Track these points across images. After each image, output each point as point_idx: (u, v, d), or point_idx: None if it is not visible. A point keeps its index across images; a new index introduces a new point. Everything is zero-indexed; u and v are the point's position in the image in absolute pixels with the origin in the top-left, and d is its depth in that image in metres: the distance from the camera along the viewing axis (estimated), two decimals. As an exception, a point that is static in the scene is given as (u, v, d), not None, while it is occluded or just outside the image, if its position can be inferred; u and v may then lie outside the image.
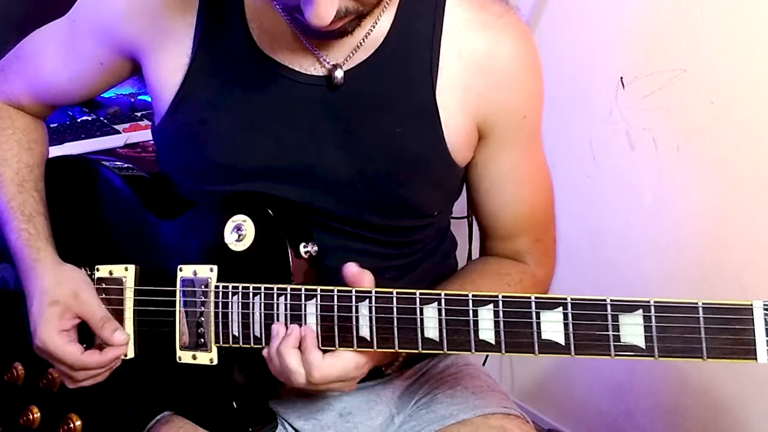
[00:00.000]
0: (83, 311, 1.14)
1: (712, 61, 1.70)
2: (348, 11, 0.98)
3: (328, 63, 1.10)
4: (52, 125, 1.96)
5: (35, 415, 1.26)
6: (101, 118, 2.04)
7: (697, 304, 0.87)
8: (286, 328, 1.03)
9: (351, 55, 1.10)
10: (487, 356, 2.20)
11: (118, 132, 1.97)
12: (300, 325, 1.02)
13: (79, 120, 2.02)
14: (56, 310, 1.13)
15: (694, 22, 1.71)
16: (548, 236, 1.25)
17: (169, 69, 1.15)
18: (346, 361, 1.02)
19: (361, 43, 1.09)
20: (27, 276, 1.17)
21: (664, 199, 1.86)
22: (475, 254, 1.34)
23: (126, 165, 1.32)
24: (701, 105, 1.73)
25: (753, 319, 0.85)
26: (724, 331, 0.86)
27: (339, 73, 1.09)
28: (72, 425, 1.22)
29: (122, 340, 1.14)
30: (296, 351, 1.02)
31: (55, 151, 1.85)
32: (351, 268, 1.01)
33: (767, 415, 1.72)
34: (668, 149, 1.82)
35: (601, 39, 1.93)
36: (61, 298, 1.13)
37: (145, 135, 1.93)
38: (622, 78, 1.88)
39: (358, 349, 1.01)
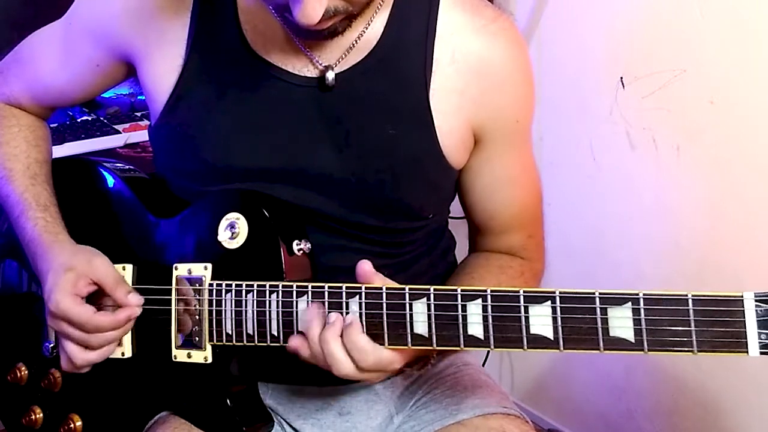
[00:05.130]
0: (97, 274, 1.13)
1: (712, 61, 1.70)
2: (337, 11, 0.98)
3: (320, 64, 1.10)
4: (52, 125, 1.95)
5: (38, 416, 1.26)
6: (101, 118, 2.04)
7: (687, 296, 0.86)
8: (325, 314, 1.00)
9: (344, 56, 1.10)
10: (486, 356, 2.21)
11: (118, 132, 1.97)
12: (342, 314, 1.00)
13: (79, 120, 2.02)
14: (71, 277, 1.12)
15: (694, 22, 1.71)
16: (539, 231, 1.26)
17: (163, 70, 1.15)
18: (385, 352, 0.99)
19: (353, 45, 1.09)
20: (44, 258, 1.16)
21: (663, 199, 1.86)
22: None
23: (126, 166, 1.32)
24: (701, 105, 1.73)
25: (744, 311, 0.84)
26: (715, 324, 0.85)
27: (330, 75, 1.09)
28: (73, 425, 1.22)
29: (137, 301, 1.13)
30: (339, 339, 0.99)
31: (55, 151, 1.85)
32: (364, 266, 0.99)
33: (766, 415, 1.72)
34: (668, 149, 1.82)
35: (601, 39, 1.94)
36: (76, 264, 1.13)
37: (145, 135, 1.92)
38: (622, 78, 1.88)
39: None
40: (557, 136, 2.08)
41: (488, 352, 2.22)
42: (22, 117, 1.31)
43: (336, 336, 0.99)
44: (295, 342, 1.02)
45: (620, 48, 1.89)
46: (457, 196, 1.25)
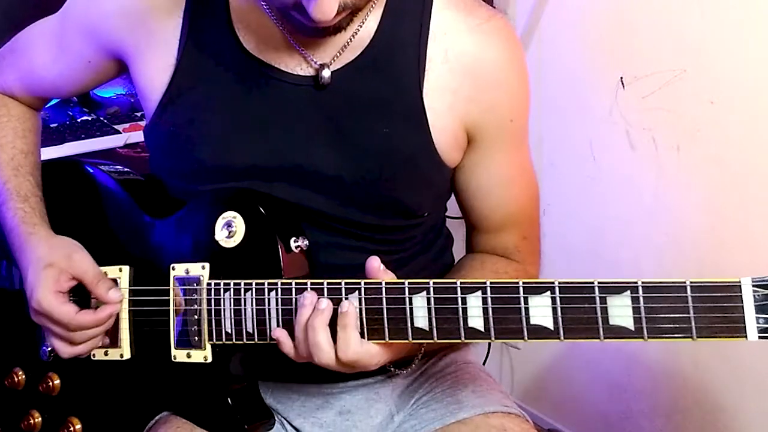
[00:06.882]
0: (77, 271, 1.14)
1: (712, 61, 1.70)
2: (346, 5, 0.98)
3: (315, 63, 1.10)
4: (52, 125, 1.97)
5: (36, 420, 1.25)
6: (101, 118, 2.04)
7: (685, 283, 0.86)
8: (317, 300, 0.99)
9: (338, 54, 1.10)
10: (487, 356, 2.21)
11: (118, 132, 1.97)
12: (333, 302, 0.99)
13: (79, 120, 2.02)
14: (52, 273, 1.13)
15: (694, 22, 1.71)
16: (534, 234, 1.26)
17: (155, 70, 1.16)
18: (371, 346, 1.00)
19: (348, 43, 1.10)
20: (22, 250, 1.18)
21: (663, 199, 1.86)
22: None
23: (121, 167, 1.32)
24: (701, 105, 1.73)
25: (742, 296, 0.85)
26: (713, 310, 0.85)
27: (326, 73, 1.09)
28: (72, 429, 1.22)
29: (117, 297, 1.14)
30: (327, 328, 0.99)
31: (56, 151, 1.86)
32: (373, 263, 0.99)
33: (766, 415, 1.72)
34: (668, 149, 1.82)
35: (601, 39, 1.94)
36: (56, 260, 1.14)
37: (145, 135, 1.93)
38: (622, 78, 1.88)
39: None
40: (557, 136, 2.08)
41: (488, 352, 2.22)
42: (13, 107, 1.32)
43: (324, 324, 0.98)
44: (278, 332, 1.02)
45: (620, 48, 1.89)
46: (453, 195, 1.25)
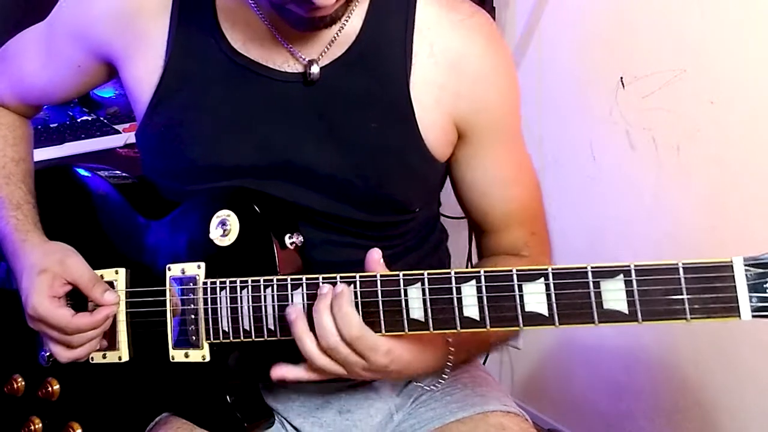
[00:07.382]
0: (72, 275, 1.14)
1: (712, 61, 1.70)
2: None
3: (303, 59, 1.11)
4: (52, 125, 1.97)
5: (37, 426, 1.25)
6: (101, 118, 2.04)
7: (677, 264, 0.86)
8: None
9: (325, 50, 1.11)
10: (487, 355, 2.21)
11: (118, 132, 1.98)
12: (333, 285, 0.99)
13: (79, 120, 2.03)
14: (46, 278, 1.13)
15: (694, 22, 1.72)
16: (541, 228, 1.26)
17: (144, 72, 1.16)
18: (379, 338, 0.98)
19: (334, 39, 1.10)
20: (15, 256, 1.18)
21: (663, 199, 1.86)
22: (474, 254, 1.33)
23: (115, 171, 1.32)
24: (701, 105, 1.73)
25: (734, 276, 0.84)
26: (706, 290, 0.85)
27: (315, 69, 1.10)
28: (73, 433, 1.22)
29: (113, 299, 1.14)
30: (330, 310, 0.98)
31: (56, 151, 1.87)
32: (374, 255, 0.99)
33: (766, 415, 1.72)
34: (668, 149, 1.82)
35: (601, 39, 1.94)
36: (49, 266, 1.14)
37: (145, 135, 1.93)
38: (622, 78, 1.88)
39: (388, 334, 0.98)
40: (557, 136, 2.08)
41: (488, 352, 2.22)
42: (3, 116, 1.33)
43: (327, 306, 0.98)
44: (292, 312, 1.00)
45: (620, 48, 1.89)
46: (455, 196, 1.25)
